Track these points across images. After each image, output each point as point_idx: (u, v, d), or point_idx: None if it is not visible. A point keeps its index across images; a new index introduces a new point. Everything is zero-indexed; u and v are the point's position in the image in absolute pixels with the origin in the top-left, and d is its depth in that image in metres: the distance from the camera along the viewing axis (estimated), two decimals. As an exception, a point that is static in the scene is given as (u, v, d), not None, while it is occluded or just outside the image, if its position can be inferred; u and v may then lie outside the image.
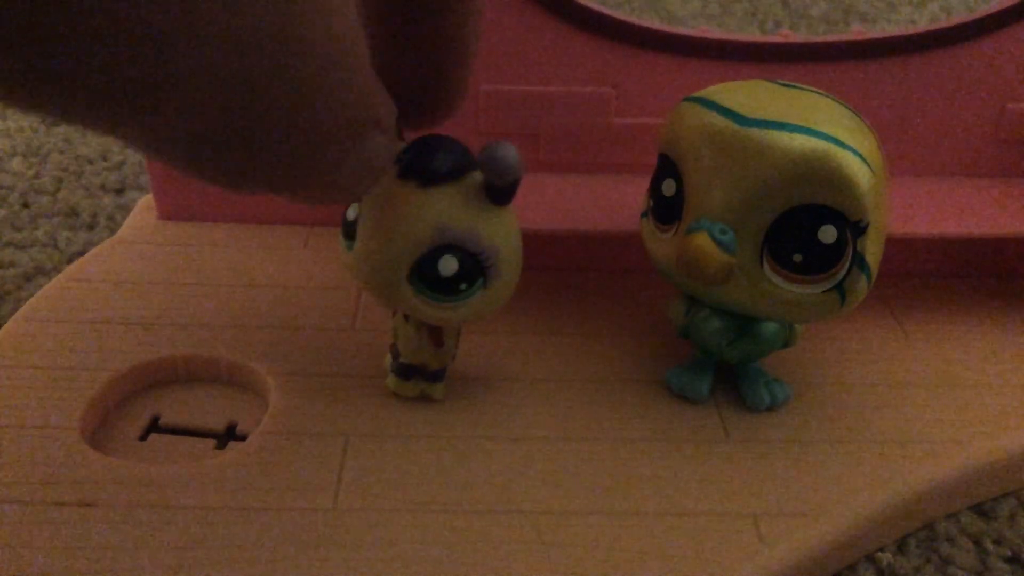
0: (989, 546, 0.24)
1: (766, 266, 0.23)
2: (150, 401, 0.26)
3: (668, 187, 0.24)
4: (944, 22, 0.31)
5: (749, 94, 0.23)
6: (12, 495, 0.22)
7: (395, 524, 0.22)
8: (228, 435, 0.25)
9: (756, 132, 0.22)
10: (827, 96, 0.24)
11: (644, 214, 0.26)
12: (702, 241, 0.22)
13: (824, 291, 0.23)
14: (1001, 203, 0.31)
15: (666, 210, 0.24)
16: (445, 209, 0.21)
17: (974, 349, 0.29)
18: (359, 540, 0.21)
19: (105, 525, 0.21)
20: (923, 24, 0.64)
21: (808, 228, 0.22)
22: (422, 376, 0.25)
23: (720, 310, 0.25)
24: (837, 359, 0.29)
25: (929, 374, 0.28)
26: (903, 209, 0.30)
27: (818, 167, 0.21)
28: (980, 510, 0.25)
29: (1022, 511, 0.25)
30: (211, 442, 0.25)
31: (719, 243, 0.22)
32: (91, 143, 0.44)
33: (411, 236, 0.22)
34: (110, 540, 0.21)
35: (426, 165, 0.21)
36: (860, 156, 0.22)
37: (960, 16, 0.31)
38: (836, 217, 0.22)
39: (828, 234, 0.22)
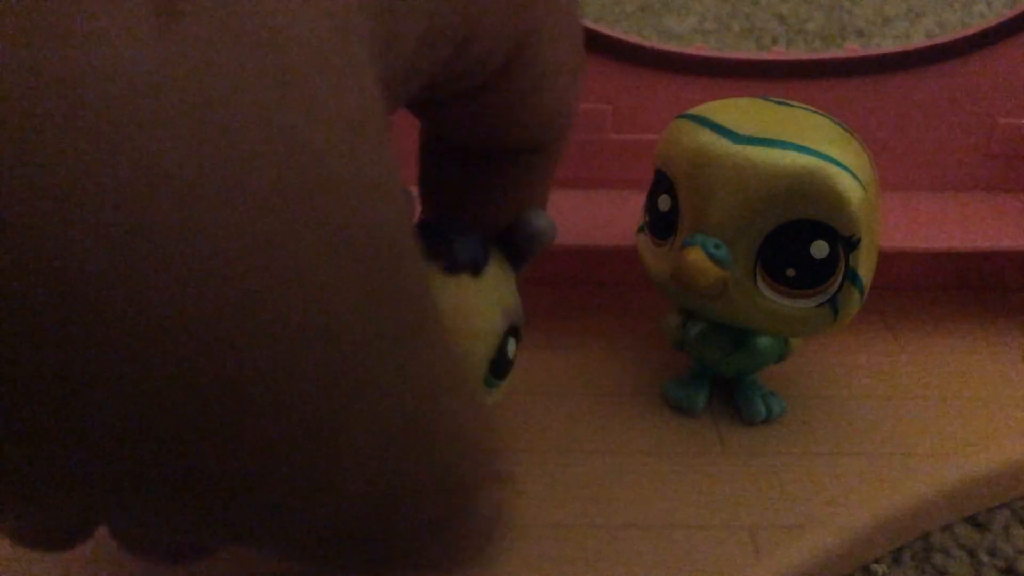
0: (984, 558, 0.24)
1: (759, 280, 0.23)
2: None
3: (664, 202, 0.24)
4: (935, 39, 0.31)
5: (743, 112, 0.24)
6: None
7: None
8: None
9: (749, 149, 0.22)
10: (820, 114, 0.24)
11: (640, 229, 0.26)
12: (696, 256, 0.22)
13: (817, 305, 0.23)
14: (994, 217, 0.31)
15: (662, 225, 0.25)
16: (500, 290, 0.20)
17: (968, 362, 0.29)
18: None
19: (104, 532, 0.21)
20: (918, 38, 0.64)
21: (801, 243, 0.22)
22: None
23: (716, 324, 0.25)
24: (832, 371, 0.29)
25: (923, 386, 0.28)
26: (897, 223, 0.30)
27: (810, 184, 0.22)
28: (975, 522, 0.25)
29: (1016, 523, 0.25)
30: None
31: (713, 257, 0.22)
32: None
33: (488, 329, 0.19)
34: (112, 546, 0.21)
35: (470, 252, 0.19)
36: (851, 173, 0.22)
37: (951, 33, 0.31)
38: (828, 232, 0.22)
39: (820, 249, 0.22)
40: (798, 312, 0.23)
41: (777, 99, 0.25)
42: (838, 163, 0.22)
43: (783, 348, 0.26)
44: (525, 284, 0.24)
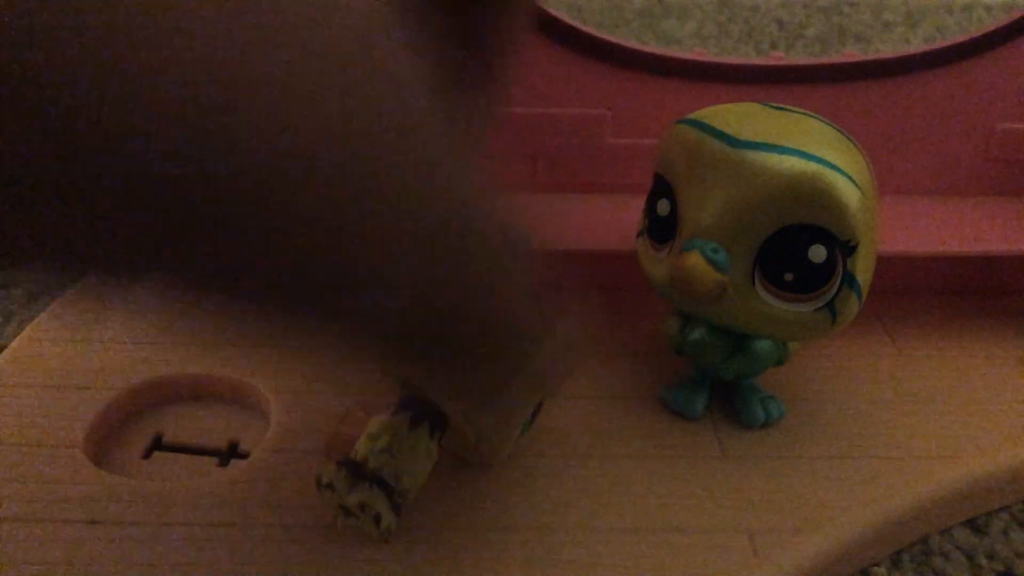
0: (982, 561, 0.24)
1: (758, 284, 0.23)
2: (153, 420, 0.26)
3: (663, 207, 0.25)
4: (934, 44, 0.31)
5: (741, 116, 0.24)
6: (18, 512, 0.22)
7: (396, 541, 0.22)
8: (230, 453, 0.25)
9: (748, 154, 0.22)
10: (818, 118, 0.24)
11: (640, 234, 0.26)
12: (695, 260, 0.22)
13: (815, 309, 0.23)
14: (992, 221, 0.31)
15: (661, 230, 0.25)
16: None
17: (967, 365, 0.30)
18: (359, 557, 0.22)
19: (109, 542, 0.21)
20: (917, 43, 0.64)
21: (799, 247, 0.23)
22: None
23: (714, 328, 0.25)
24: (831, 376, 0.29)
25: (922, 390, 0.28)
26: (896, 227, 0.30)
27: (808, 188, 0.22)
28: (973, 525, 0.25)
29: (1015, 526, 0.25)
30: (213, 460, 0.25)
31: (711, 262, 0.22)
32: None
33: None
34: (114, 557, 0.21)
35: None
36: (849, 177, 0.22)
37: (950, 38, 0.31)
38: (826, 237, 0.22)
39: (818, 254, 0.22)
40: (796, 316, 0.23)
41: (775, 104, 0.25)
42: (836, 168, 0.22)
43: (781, 352, 0.26)
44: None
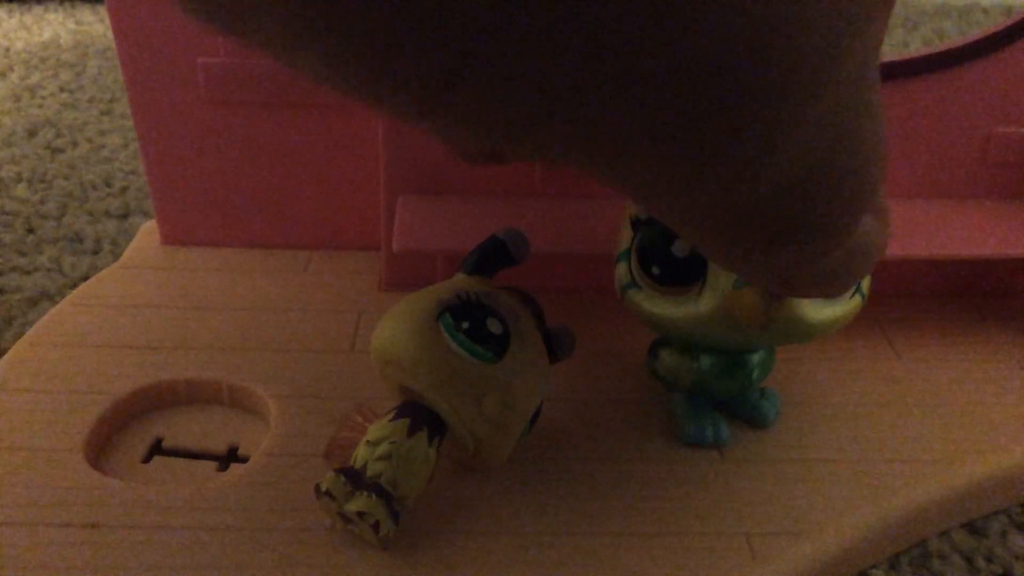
0: (980, 563, 0.24)
1: None
2: (153, 424, 0.27)
3: (680, 248, 0.24)
4: (933, 48, 0.31)
5: None
6: (17, 517, 0.22)
7: (397, 547, 0.22)
8: (230, 457, 0.25)
9: None
10: None
11: (628, 287, 0.25)
12: (750, 295, 0.22)
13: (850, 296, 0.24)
14: (990, 225, 0.31)
15: (679, 272, 0.24)
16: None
17: (964, 368, 0.30)
18: (359, 560, 0.22)
19: (109, 546, 0.21)
20: (915, 46, 0.64)
21: None
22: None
23: (720, 353, 0.25)
24: (829, 379, 0.29)
25: (920, 393, 0.28)
26: (894, 231, 0.30)
27: None
28: (972, 528, 0.25)
29: (1013, 529, 0.25)
30: (213, 464, 0.25)
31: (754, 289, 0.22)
32: (95, 169, 0.45)
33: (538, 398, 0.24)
34: (114, 561, 0.21)
35: (567, 349, 0.25)
36: None
37: (948, 42, 0.31)
38: None
39: None
40: (831, 311, 0.23)
41: None
42: None
43: (773, 359, 0.26)
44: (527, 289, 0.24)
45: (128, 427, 0.26)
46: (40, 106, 0.53)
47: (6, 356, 0.28)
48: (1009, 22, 0.31)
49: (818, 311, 0.23)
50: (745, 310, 0.22)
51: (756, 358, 0.25)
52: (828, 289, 0.17)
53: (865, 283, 0.24)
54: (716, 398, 0.26)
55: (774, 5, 0.11)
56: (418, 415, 0.22)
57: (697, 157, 0.12)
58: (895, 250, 0.29)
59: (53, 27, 0.71)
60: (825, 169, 0.14)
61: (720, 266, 0.20)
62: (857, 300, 0.24)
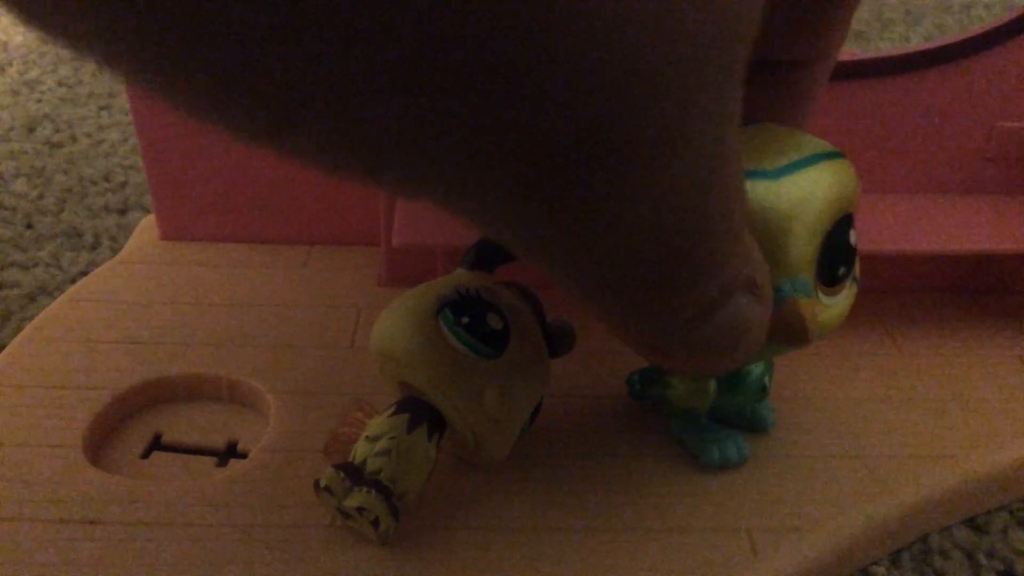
0: (982, 560, 0.24)
1: (819, 293, 0.23)
2: (152, 419, 0.26)
3: None
4: (934, 42, 0.31)
5: (753, 148, 0.23)
6: (16, 512, 0.22)
7: (396, 542, 0.22)
8: (229, 453, 0.25)
9: (789, 179, 0.22)
10: (774, 124, 0.23)
11: None
12: (805, 302, 0.22)
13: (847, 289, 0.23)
14: (992, 220, 0.31)
15: None
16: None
17: (967, 364, 0.30)
18: (359, 557, 0.22)
19: (107, 542, 0.21)
20: (916, 42, 0.64)
21: (842, 238, 0.22)
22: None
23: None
24: (830, 374, 0.29)
25: (922, 389, 0.28)
26: (894, 226, 0.30)
27: (848, 179, 0.22)
28: (973, 524, 0.25)
29: (1015, 525, 0.25)
30: (212, 460, 0.25)
31: (809, 296, 0.22)
32: (94, 164, 0.45)
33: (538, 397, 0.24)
34: (112, 557, 0.21)
35: (567, 345, 0.25)
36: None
37: (949, 37, 0.31)
38: (848, 216, 0.22)
39: (853, 235, 0.22)
40: (840, 309, 0.23)
41: (746, 120, 0.24)
42: (842, 153, 0.22)
43: (772, 362, 0.26)
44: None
45: (127, 423, 0.26)
46: (39, 101, 0.53)
47: (4, 352, 0.28)
48: (1010, 17, 0.31)
49: (825, 309, 0.23)
50: (803, 322, 0.22)
51: (757, 371, 0.25)
52: (703, 362, 0.17)
53: (856, 268, 0.23)
54: (720, 415, 0.26)
55: (624, 83, 0.11)
56: (418, 411, 0.22)
57: (540, 204, 0.12)
58: (897, 245, 0.29)
59: (52, 22, 0.71)
60: (670, 236, 0.14)
61: (599, 320, 0.19)
62: (853, 287, 0.23)
